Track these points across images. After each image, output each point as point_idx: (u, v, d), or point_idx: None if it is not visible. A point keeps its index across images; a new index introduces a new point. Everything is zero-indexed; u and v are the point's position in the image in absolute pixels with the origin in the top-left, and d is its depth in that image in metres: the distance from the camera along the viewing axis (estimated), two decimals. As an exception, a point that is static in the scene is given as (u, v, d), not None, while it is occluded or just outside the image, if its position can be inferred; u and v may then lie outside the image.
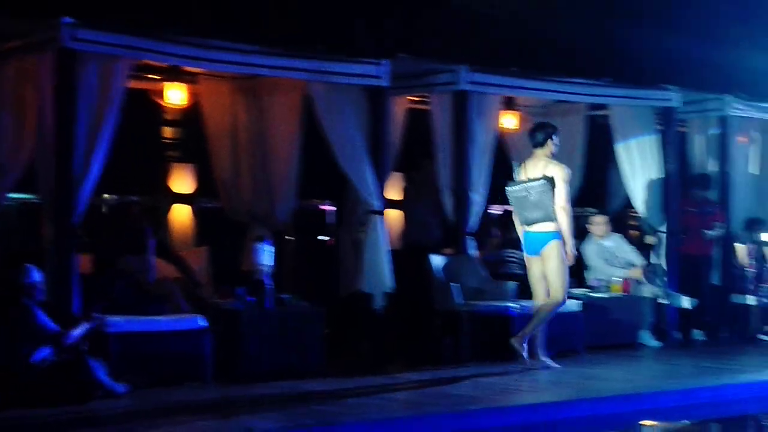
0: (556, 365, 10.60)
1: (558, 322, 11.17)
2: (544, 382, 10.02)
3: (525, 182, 10.22)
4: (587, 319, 11.73)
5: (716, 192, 13.64)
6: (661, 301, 12.87)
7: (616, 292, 12.59)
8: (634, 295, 12.65)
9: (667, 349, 12.48)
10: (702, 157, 13.95)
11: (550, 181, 10.09)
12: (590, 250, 13.02)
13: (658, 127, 13.26)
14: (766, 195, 14.55)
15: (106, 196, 12.42)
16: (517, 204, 10.25)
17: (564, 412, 8.95)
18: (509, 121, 13.47)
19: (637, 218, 14.02)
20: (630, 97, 12.89)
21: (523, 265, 11.82)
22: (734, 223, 13.66)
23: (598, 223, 13.18)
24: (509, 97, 12.98)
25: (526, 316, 11.06)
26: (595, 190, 14.64)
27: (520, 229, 10.40)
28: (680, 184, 13.52)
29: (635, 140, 13.07)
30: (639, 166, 13.13)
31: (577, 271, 13.10)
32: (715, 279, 13.57)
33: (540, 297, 10.47)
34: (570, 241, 10.24)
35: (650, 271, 12.94)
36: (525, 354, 10.39)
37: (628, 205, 14.11)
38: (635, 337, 12.53)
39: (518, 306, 11.23)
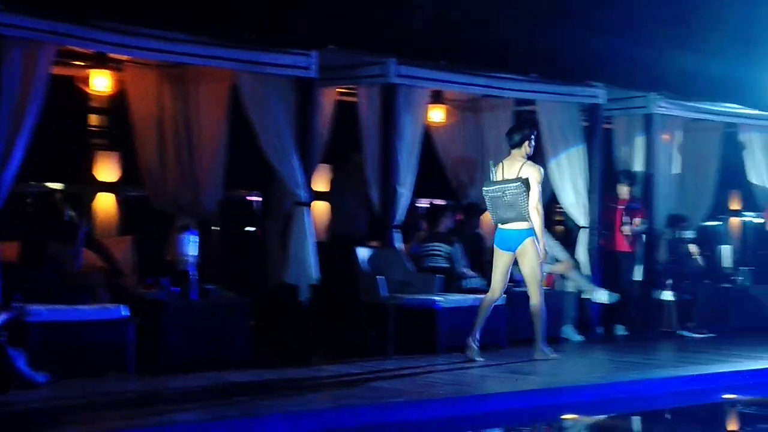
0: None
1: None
2: (467, 375, 10.07)
3: (501, 183, 10.40)
4: (511, 313, 11.80)
5: (640, 188, 13.81)
6: (584, 296, 13.00)
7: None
8: (557, 289, 12.76)
9: (589, 343, 12.61)
10: (627, 154, 14.12)
11: (525, 183, 10.32)
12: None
13: (584, 123, 13.39)
14: (689, 192, 14.79)
15: (29, 183, 12.24)
16: (491, 203, 10.47)
17: (487, 405, 8.98)
18: (437, 114, 13.51)
19: (563, 214, 14.14)
20: (557, 93, 13.00)
21: (447, 258, 11.90)
22: (657, 219, 13.83)
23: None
24: (437, 90, 13.01)
25: (451, 310, 11.14)
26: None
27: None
28: (605, 181, 13.68)
29: (561, 136, 13.17)
30: (565, 162, 13.23)
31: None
32: (638, 275, 13.75)
33: (497, 290, 10.73)
34: (542, 239, 10.54)
35: (574, 267, 13.06)
36: (552, 354, 10.93)
37: (553, 200, 14.21)
38: (558, 332, 12.64)
39: (443, 299, 11.28)
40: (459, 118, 13.93)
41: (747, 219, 17.14)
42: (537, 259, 10.50)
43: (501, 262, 10.63)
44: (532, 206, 10.33)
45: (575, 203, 13.31)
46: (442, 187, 14.18)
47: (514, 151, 10.59)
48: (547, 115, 13.16)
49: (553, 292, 12.68)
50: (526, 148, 10.58)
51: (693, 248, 13.93)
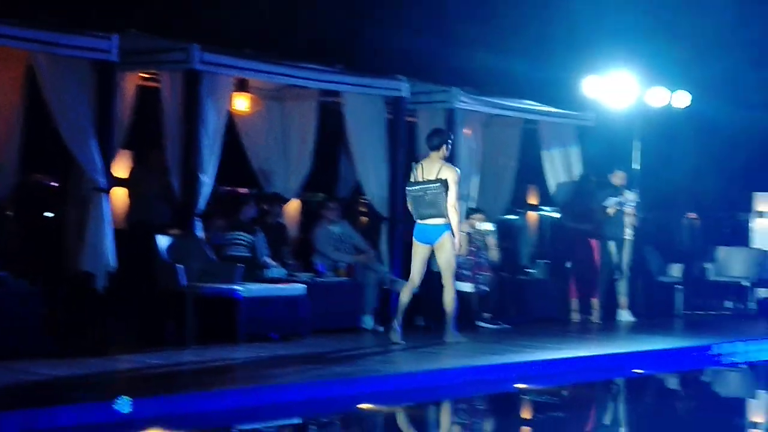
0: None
1: (282, 305, 11.28)
2: (264, 365, 10.04)
3: (423, 183, 11.35)
4: (312, 303, 11.83)
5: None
6: (385, 287, 13.13)
7: (342, 276, 12.76)
8: (359, 280, 12.85)
9: (388, 334, 12.72)
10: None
11: (444, 183, 11.27)
12: (319, 235, 13.14)
13: (388, 116, 13.51)
14: (489, 186, 15.09)
15: None
16: (413, 201, 11.43)
17: (284, 395, 8.98)
18: (241, 103, 13.41)
19: (367, 205, 14.24)
20: (361, 85, 13.07)
21: (249, 248, 11.85)
22: (462, 213, 14.04)
23: (329, 209, 13.32)
24: (242, 79, 12.91)
25: (253, 299, 11.11)
26: (326, 175, 14.79)
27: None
28: (407, 173, 13.84)
29: (365, 128, 13.26)
30: (368, 154, 13.33)
31: (304, 255, 13.24)
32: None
33: (416, 279, 11.62)
34: (458, 234, 11.54)
35: (375, 257, 13.18)
36: (461, 337, 11.86)
37: (358, 191, 14.32)
38: (359, 322, 12.74)
39: (244, 289, 11.22)
40: (264, 107, 13.87)
41: (544, 213, 17.63)
42: (453, 251, 11.48)
43: (419, 253, 11.55)
44: (451, 204, 11.29)
45: (379, 195, 13.42)
46: (246, 176, 14.10)
47: (433, 154, 11.51)
48: (351, 107, 13.22)
49: (354, 283, 12.78)
50: (444, 151, 11.50)
51: (491, 241, 14.21)
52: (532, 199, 18.05)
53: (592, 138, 15.84)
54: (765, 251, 17.88)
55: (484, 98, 14.25)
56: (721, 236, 18.68)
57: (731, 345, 13.18)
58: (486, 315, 13.84)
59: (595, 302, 15.12)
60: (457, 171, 11.51)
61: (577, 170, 15.53)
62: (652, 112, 16.28)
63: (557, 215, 16.02)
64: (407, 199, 11.54)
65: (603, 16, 17.04)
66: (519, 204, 17.01)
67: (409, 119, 14.02)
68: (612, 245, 15.11)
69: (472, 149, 14.47)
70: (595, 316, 15.05)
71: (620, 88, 15.72)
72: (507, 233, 15.84)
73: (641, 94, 15.95)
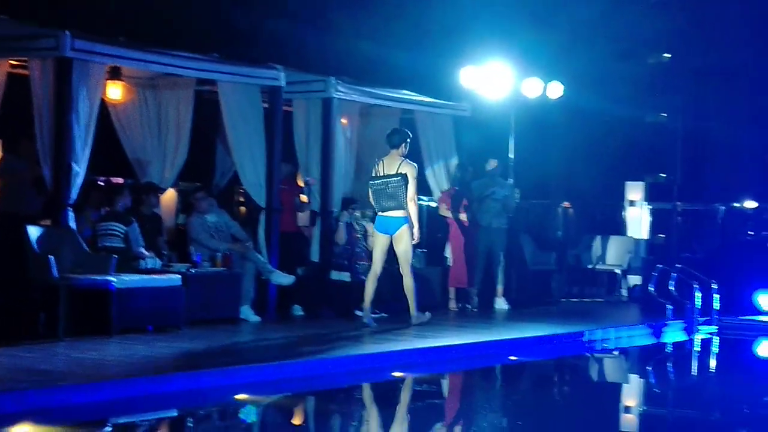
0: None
1: (157, 297, 11.15)
2: (139, 357, 9.91)
3: (384, 177, 12.21)
4: (188, 293, 11.73)
5: (318, 171, 14.03)
6: (263, 277, 13.08)
7: (219, 267, 12.66)
8: (236, 270, 12.76)
9: (266, 324, 12.70)
10: (306, 136, 14.26)
11: (405, 178, 12.16)
12: (194, 225, 13.01)
13: (265, 105, 13.44)
14: (366, 175, 15.09)
15: None
16: (375, 194, 12.28)
17: (159, 386, 8.89)
18: (115, 91, 13.19)
19: (244, 194, 14.14)
20: (237, 74, 12.97)
21: (124, 238, 11.70)
22: (334, 201, 14.07)
23: (198, 199, 13.20)
24: (116, 66, 12.70)
25: (127, 291, 10.97)
26: (203, 165, 14.65)
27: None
28: (286, 163, 13.84)
29: (242, 117, 13.16)
30: (245, 143, 13.24)
31: (181, 246, 13.10)
32: (316, 255, 13.97)
33: (378, 267, 12.51)
34: (416, 225, 12.41)
35: (252, 248, 13.11)
36: (426, 318, 12.76)
37: (235, 180, 14.21)
38: (237, 312, 12.65)
39: (118, 280, 11.05)
40: (138, 95, 13.66)
41: (421, 203, 17.71)
42: (410, 242, 12.37)
43: (380, 243, 12.47)
44: (410, 197, 12.22)
45: (255, 184, 13.35)
46: (121, 166, 13.88)
47: (393, 151, 12.36)
48: (227, 96, 13.11)
49: (232, 273, 12.68)
50: (404, 148, 12.36)
51: (371, 229, 14.26)
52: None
53: (468, 128, 15.99)
54: (636, 239, 18.28)
55: (361, 88, 14.27)
56: (594, 225, 19.02)
57: (603, 331, 13.46)
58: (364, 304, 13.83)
59: (472, 291, 15.27)
60: (416, 167, 12.38)
61: (454, 160, 15.65)
62: (527, 103, 16.50)
63: (434, 204, 16.13)
64: (370, 192, 12.32)
65: (479, 7, 17.21)
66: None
67: (286, 108, 13.96)
68: (488, 234, 15.28)
69: (349, 139, 14.48)
70: (472, 305, 15.21)
71: (496, 79, 15.88)
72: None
73: (516, 84, 16.13)
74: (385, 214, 12.32)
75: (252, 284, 12.93)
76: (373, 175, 12.37)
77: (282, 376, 9.81)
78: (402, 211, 12.24)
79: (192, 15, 16.03)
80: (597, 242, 18.06)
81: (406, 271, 12.48)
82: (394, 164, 12.30)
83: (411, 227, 12.33)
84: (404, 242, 12.37)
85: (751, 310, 15.45)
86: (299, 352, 10.68)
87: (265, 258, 13.16)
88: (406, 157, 12.41)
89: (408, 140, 12.48)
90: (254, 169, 13.29)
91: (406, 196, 12.19)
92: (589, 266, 17.77)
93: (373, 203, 12.41)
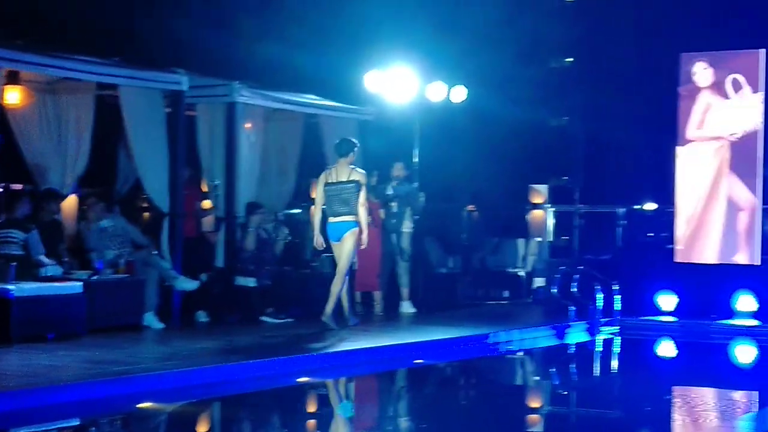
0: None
1: (58, 304, 11.00)
2: (40, 366, 9.74)
3: (339, 184, 12.77)
4: (90, 301, 11.59)
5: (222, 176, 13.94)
6: (167, 283, 12.96)
7: (121, 273, 12.50)
8: (139, 277, 12.62)
9: (170, 330, 12.58)
10: (210, 141, 14.16)
11: (357, 184, 12.74)
12: (93, 232, 12.84)
13: (167, 109, 13.32)
14: (272, 180, 15.07)
15: None
16: (329, 200, 12.78)
17: (61, 396, 8.76)
18: (13, 96, 12.94)
19: (147, 200, 13.99)
20: (138, 78, 12.83)
21: (23, 246, 11.53)
22: (239, 206, 13.99)
23: (94, 204, 13.05)
24: (14, 71, 12.46)
25: (27, 299, 10.81)
26: (105, 170, 14.46)
27: (318, 216, 12.93)
28: (188, 168, 13.72)
29: (144, 122, 13.03)
30: (147, 148, 13.10)
31: (82, 253, 12.92)
32: (220, 261, 13.87)
33: (342, 273, 12.88)
34: (366, 230, 12.88)
35: (155, 253, 12.98)
36: (335, 325, 12.79)
37: (138, 186, 14.05)
38: (140, 319, 12.51)
39: (17, 288, 10.87)
40: (37, 100, 13.43)
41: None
42: (354, 247, 12.88)
43: (336, 250, 12.93)
44: (361, 203, 12.79)
45: (158, 190, 13.22)
46: (20, 172, 13.63)
47: (342, 159, 12.90)
48: (128, 100, 12.94)
49: (134, 280, 12.54)
50: (351, 157, 12.90)
51: (283, 234, 14.29)
52: (313, 193, 18.09)
53: (373, 132, 16.02)
54: (540, 242, 18.48)
55: (265, 92, 14.23)
56: (499, 228, 19.18)
57: (508, 333, 13.58)
58: (269, 309, 13.80)
59: (378, 294, 15.30)
60: (365, 174, 12.98)
61: (359, 164, 15.64)
62: (432, 107, 16.58)
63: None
64: (324, 198, 12.83)
65: (384, 12, 17.24)
66: (302, 198, 17.03)
67: (189, 113, 13.85)
68: (393, 237, 15.32)
69: (253, 144, 14.40)
70: (378, 308, 15.23)
71: (401, 83, 15.93)
72: (290, 227, 15.82)
73: (421, 88, 16.21)
74: (336, 219, 12.84)
75: (155, 291, 12.79)
76: (326, 182, 12.86)
77: (185, 383, 9.72)
78: (353, 216, 12.80)
79: (93, 18, 15.80)
80: (501, 245, 18.21)
81: (342, 272, 12.84)
82: (344, 172, 12.86)
83: (360, 231, 12.85)
84: (350, 245, 12.85)
85: (653, 311, 15.71)
86: (203, 359, 10.59)
87: (169, 264, 13.03)
88: (353, 164, 12.96)
89: (356, 149, 13.00)
90: (156, 174, 13.16)
91: (357, 202, 12.77)
92: (494, 269, 17.91)
93: (326, 209, 12.87)
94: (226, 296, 13.73)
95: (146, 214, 15.01)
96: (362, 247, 13.04)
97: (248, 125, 14.29)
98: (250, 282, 13.69)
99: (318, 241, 12.99)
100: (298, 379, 10.51)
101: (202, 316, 13.53)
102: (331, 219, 12.85)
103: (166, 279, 12.92)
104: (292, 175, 15.57)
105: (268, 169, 14.91)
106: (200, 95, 13.76)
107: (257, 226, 13.88)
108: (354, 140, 13.20)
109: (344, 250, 12.85)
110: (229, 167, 13.92)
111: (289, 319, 13.76)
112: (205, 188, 14.10)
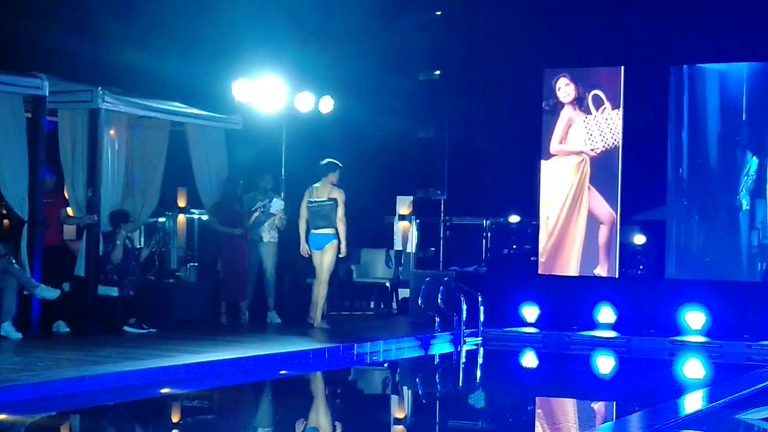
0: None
1: None
2: None
3: (319, 201, 14.42)
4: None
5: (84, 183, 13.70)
6: (26, 292, 12.67)
7: (-22, 283, 12.18)
8: (-3, 285, 12.32)
9: (29, 341, 12.31)
10: (72, 148, 13.89)
11: (335, 202, 14.37)
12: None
13: (28, 115, 13.03)
14: (137, 188, 14.83)
15: None
16: (311, 215, 14.43)
17: None
18: None
19: (6, 207, 13.67)
20: (-3, 83, 12.54)
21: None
22: (103, 214, 13.76)
23: None
24: None
25: None
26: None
27: (303, 228, 14.57)
28: (51, 174, 13.45)
29: (2, 127, 12.73)
30: (5, 154, 12.80)
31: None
32: (81, 270, 13.61)
33: (319, 278, 14.57)
34: (344, 242, 14.46)
35: (13, 262, 12.67)
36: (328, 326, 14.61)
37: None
38: (-4, 330, 12.23)
39: None
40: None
41: (193, 216, 17.55)
42: (334, 257, 14.52)
43: (316, 258, 14.55)
44: (340, 217, 14.37)
45: (17, 196, 12.94)
46: None
47: (324, 178, 14.52)
48: (-14, 105, 12.65)
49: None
50: (333, 176, 14.52)
51: (152, 243, 14.12)
52: (182, 202, 17.92)
53: (240, 141, 15.93)
54: (407, 253, 18.58)
55: (129, 99, 14.01)
56: (365, 239, 19.23)
57: (373, 344, 13.63)
58: (132, 319, 13.60)
59: (243, 304, 15.21)
60: (343, 192, 14.47)
61: (225, 173, 15.55)
62: (300, 117, 16.55)
63: (206, 218, 15.96)
64: (307, 213, 14.42)
65: (251, 20, 17.14)
66: (168, 206, 16.84)
67: (51, 119, 13.57)
68: (259, 247, 15.26)
69: (117, 151, 14.17)
70: (243, 319, 15.14)
71: (269, 92, 15.85)
72: (153, 235, 15.62)
73: (289, 98, 16.16)
74: (318, 231, 14.42)
75: (14, 300, 12.51)
76: (309, 199, 14.46)
77: (44, 394, 9.53)
78: (331, 229, 14.39)
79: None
80: (368, 256, 18.26)
81: (324, 279, 14.53)
82: (326, 190, 14.48)
83: (339, 243, 14.39)
84: (330, 255, 14.50)
85: (518, 322, 15.93)
86: (62, 370, 10.36)
87: (28, 272, 12.74)
88: (335, 184, 14.50)
89: (337, 170, 14.55)
90: (16, 180, 12.87)
91: (336, 217, 14.30)
92: (361, 279, 17.95)
93: (309, 222, 14.47)
94: (87, 306, 13.47)
95: (6, 222, 14.64)
96: (341, 256, 14.66)
97: (112, 132, 14.05)
98: (113, 292, 13.47)
99: (303, 248, 14.51)
100: (161, 390, 10.36)
101: (62, 326, 13.26)
102: (313, 231, 14.46)
103: (26, 288, 12.64)
104: (158, 183, 15.32)
105: (133, 177, 14.68)
106: (62, 101, 13.50)
107: (119, 236, 13.64)
108: (337, 162, 14.61)
109: (325, 260, 14.47)
110: (92, 175, 13.68)
111: (152, 330, 13.59)
112: (66, 195, 13.82)
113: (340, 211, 14.42)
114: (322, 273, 14.58)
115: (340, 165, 14.65)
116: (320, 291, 14.65)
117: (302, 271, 16.30)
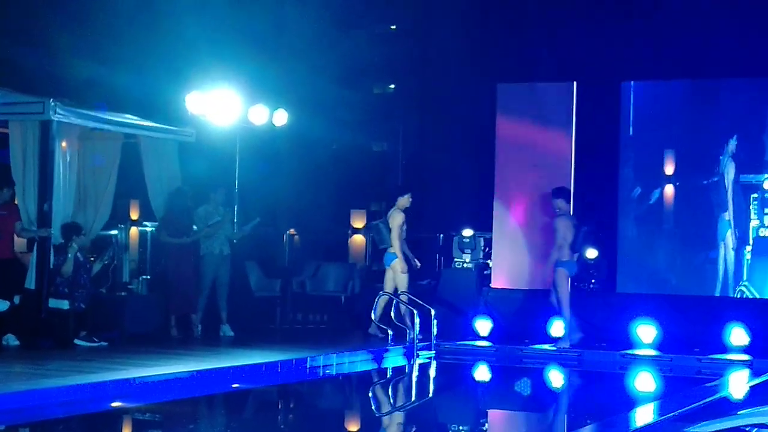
0: None
1: None
2: None
3: (382, 221, 15.60)
4: None
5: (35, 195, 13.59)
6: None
7: None
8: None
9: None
10: (23, 159, 13.77)
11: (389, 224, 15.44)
12: None
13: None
14: (88, 201, 14.75)
15: None
16: (378, 235, 15.64)
17: None
18: None
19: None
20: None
21: None
22: (55, 227, 13.65)
23: None
24: None
25: None
26: None
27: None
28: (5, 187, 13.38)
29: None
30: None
31: None
32: (32, 283, 13.50)
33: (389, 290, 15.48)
34: (401, 258, 15.44)
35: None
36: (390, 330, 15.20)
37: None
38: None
39: None
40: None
41: (145, 228, 17.46)
42: (395, 273, 15.53)
43: (388, 273, 15.62)
44: (394, 237, 15.32)
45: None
46: None
47: (398, 202, 15.49)
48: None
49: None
50: (406, 201, 15.50)
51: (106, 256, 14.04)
52: (134, 214, 17.83)
53: (194, 153, 15.87)
54: (360, 266, 18.59)
55: (81, 111, 13.91)
56: (320, 252, 19.23)
57: (326, 357, 13.60)
58: (83, 333, 13.50)
59: (196, 317, 15.14)
60: (402, 216, 15.48)
61: (177, 186, 15.48)
62: (254, 130, 16.53)
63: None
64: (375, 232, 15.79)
65: (205, 32, 17.10)
66: (120, 219, 16.74)
67: (1, 130, 13.46)
68: (211, 260, 15.20)
69: (69, 163, 14.06)
70: (196, 332, 15.07)
71: (222, 105, 15.82)
72: (107, 248, 15.53)
73: (243, 111, 16.13)
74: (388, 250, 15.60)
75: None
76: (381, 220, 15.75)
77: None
78: (392, 249, 15.42)
79: None
80: (322, 269, 18.25)
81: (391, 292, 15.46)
82: (392, 213, 15.53)
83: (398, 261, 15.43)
84: (391, 272, 15.58)
85: (471, 335, 15.96)
86: (11, 384, 10.26)
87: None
88: (404, 208, 15.50)
89: (406, 196, 15.53)
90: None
91: (389, 238, 15.37)
92: (314, 293, 17.92)
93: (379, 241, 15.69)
94: (38, 319, 13.35)
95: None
96: (402, 274, 15.45)
97: (64, 144, 13.95)
98: (64, 305, 13.37)
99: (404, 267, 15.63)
100: (112, 404, 10.29)
101: (12, 340, 13.13)
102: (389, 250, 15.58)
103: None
104: (110, 196, 15.22)
105: (85, 189, 14.58)
106: (13, 112, 13.40)
107: (71, 248, 13.54)
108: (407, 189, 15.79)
109: (388, 275, 15.62)
110: (44, 187, 13.57)
111: (104, 343, 13.49)
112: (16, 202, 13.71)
113: (394, 233, 15.47)
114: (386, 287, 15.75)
115: (410, 191, 15.60)
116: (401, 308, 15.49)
117: (257, 285, 16.27)
